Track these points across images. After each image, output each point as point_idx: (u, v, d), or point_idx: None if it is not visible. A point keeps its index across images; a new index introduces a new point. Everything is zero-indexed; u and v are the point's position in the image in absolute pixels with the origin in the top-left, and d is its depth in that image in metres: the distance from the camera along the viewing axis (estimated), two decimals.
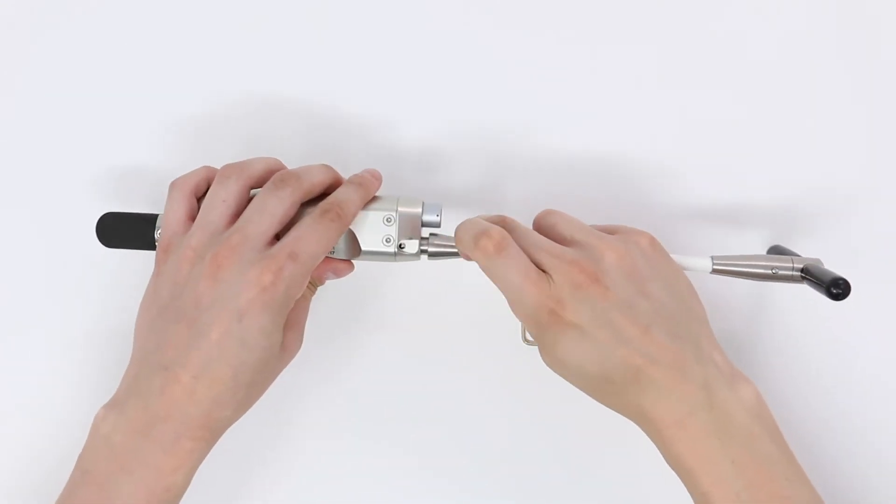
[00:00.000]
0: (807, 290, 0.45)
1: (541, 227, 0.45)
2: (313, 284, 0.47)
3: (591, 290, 0.39)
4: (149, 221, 0.46)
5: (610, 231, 0.44)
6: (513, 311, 0.42)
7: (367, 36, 0.51)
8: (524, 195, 0.51)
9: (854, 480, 0.49)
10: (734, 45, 0.51)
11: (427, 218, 0.45)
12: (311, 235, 0.41)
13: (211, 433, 0.41)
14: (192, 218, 0.43)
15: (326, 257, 0.44)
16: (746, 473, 0.38)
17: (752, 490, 0.37)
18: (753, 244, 0.50)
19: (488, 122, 0.51)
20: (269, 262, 0.39)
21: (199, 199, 0.44)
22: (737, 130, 0.51)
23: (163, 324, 0.40)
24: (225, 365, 0.39)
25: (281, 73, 0.51)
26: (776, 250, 0.49)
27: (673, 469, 0.40)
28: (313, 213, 0.42)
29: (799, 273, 0.45)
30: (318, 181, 0.44)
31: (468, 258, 0.43)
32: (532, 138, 0.51)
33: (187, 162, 0.47)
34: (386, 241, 0.44)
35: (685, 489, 0.40)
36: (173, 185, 0.44)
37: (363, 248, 0.44)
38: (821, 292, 0.43)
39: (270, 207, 0.41)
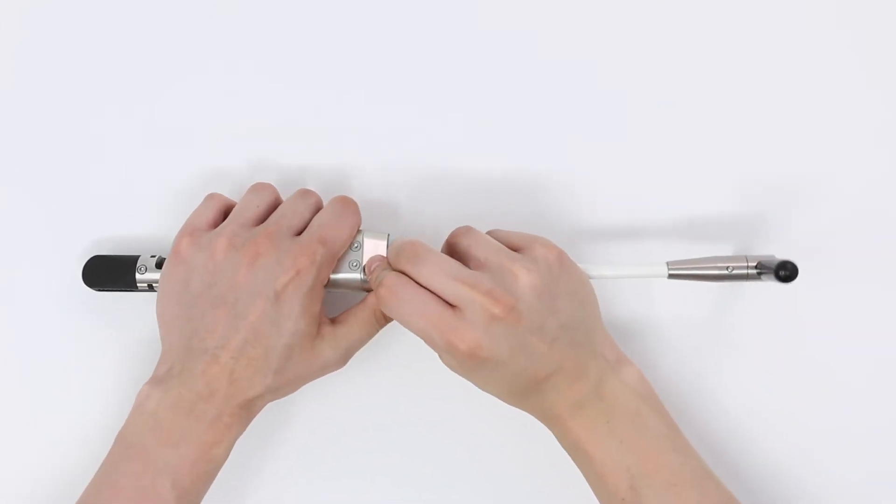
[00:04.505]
0: (765, 289, 0.45)
1: (455, 249, 0.45)
2: (387, 318, 0.46)
3: (507, 320, 0.40)
4: (130, 263, 0.48)
5: (517, 246, 0.44)
6: (426, 343, 0.42)
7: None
8: (447, 213, 0.51)
9: (805, 468, 0.49)
10: (676, 58, 0.52)
11: None
12: (335, 221, 0.45)
13: (247, 411, 0.44)
14: (215, 224, 0.46)
15: None
16: (634, 449, 0.41)
17: (642, 463, 0.40)
18: None
19: (407, 141, 0.52)
20: (302, 247, 0.43)
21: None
22: (682, 145, 0.51)
23: (200, 311, 0.43)
24: (259, 346, 0.42)
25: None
26: None
27: (570, 454, 0.43)
28: (333, 202, 0.46)
29: (754, 269, 0.45)
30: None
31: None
32: (461, 158, 0.52)
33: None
34: (352, 264, 0.46)
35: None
36: (212, 195, 0.48)
37: (331, 275, 0.46)
38: (772, 280, 0.43)
39: (300, 208, 0.46)
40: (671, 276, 0.46)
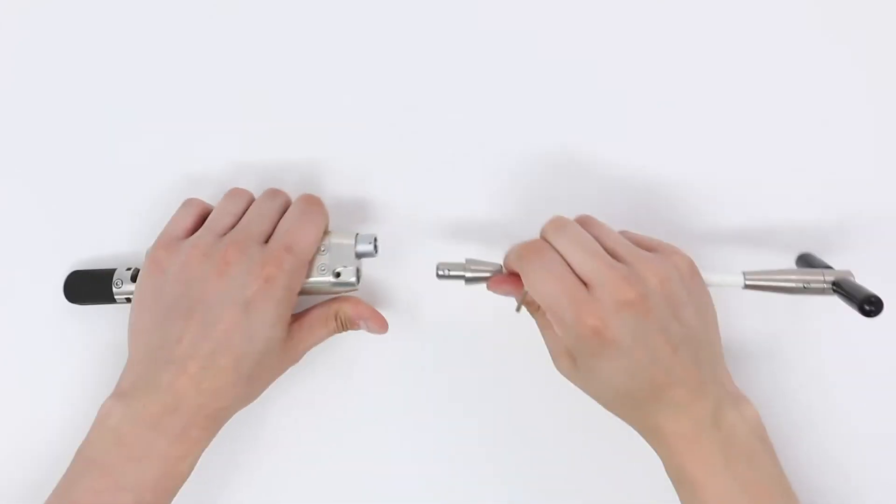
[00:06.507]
0: (837, 303, 0.46)
1: None
2: (343, 325, 0.48)
3: (637, 308, 0.40)
4: (108, 277, 0.48)
5: (649, 247, 0.44)
6: (550, 318, 0.43)
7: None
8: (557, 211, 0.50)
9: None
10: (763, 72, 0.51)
11: (361, 248, 0.47)
12: (299, 226, 0.45)
13: (214, 423, 0.44)
14: (192, 232, 0.46)
15: (363, 305, 0.47)
16: (749, 490, 0.40)
17: None
18: (785, 259, 0.51)
19: (525, 138, 0.51)
20: (269, 255, 0.43)
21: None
22: (766, 148, 0.51)
23: (170, 321, 0.43)
24: (229, 356, 0.42)
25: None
26: (805, 259, 0.50)
27: (675, 482, 0.42)
28: (297, 203, 0.47)
29: (830, 286, 0.45)
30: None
31: (511, 270, 0.45)
32: (564, 156, 0.51)
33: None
34: (321, 269, 0.46)
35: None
36: (189, 201, 0.48)
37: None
38: (853, 307, 0.43)
39: (267, 211, 0.46)
40: (747, 287, 0.46)
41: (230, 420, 0.45)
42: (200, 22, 0.52)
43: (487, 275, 0.46)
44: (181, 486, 0.43)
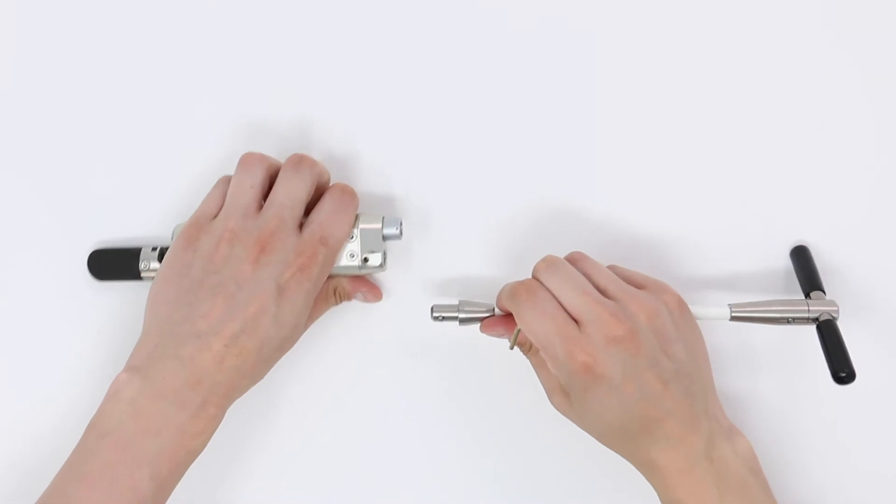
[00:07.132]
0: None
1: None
2: (340, 297, 0.49)
3: (626, 344, 0.41)
4: (134, 255, 0.49)
5: (639, 284, 0.44)
6: (544, 356, 0.44)
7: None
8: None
9: None
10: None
11: (388, 231, 0.48)
12: (334, 218, 0.46)
13: (227, 401, 0.44)
14: None
15: (360, 278, 0.49)
16: None
17: None
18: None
19: (510, 188, 0.51)
20: (304, 247, 0.44)
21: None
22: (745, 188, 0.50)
23: (195, 297, 0.43)
24: (255, 339, 0.43)
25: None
26: (798, 252, 0.48)
27: None
28: (332, 193, 0.47)
29: (814, 324, 0.45)
30: (321, 169, 0.47)
31: (504, 310, 0.46)
32: (560, 201, 0.51)
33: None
34: (350, 255, 0.47)
35: None
36: (224, 180, 0.47)
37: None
38: (828, 365, 0.44)
39: (297, 190, 0.46)
40: (733, 319, 0.46)
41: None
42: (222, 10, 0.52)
43: (481, 315, 0.47)
44: (191, 463, 0.43)
